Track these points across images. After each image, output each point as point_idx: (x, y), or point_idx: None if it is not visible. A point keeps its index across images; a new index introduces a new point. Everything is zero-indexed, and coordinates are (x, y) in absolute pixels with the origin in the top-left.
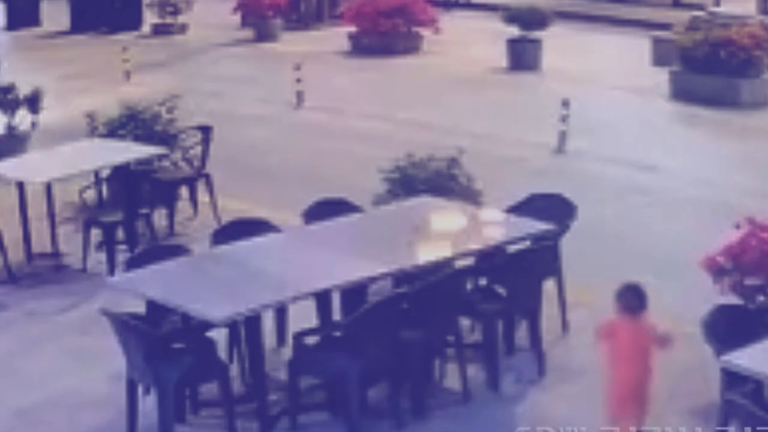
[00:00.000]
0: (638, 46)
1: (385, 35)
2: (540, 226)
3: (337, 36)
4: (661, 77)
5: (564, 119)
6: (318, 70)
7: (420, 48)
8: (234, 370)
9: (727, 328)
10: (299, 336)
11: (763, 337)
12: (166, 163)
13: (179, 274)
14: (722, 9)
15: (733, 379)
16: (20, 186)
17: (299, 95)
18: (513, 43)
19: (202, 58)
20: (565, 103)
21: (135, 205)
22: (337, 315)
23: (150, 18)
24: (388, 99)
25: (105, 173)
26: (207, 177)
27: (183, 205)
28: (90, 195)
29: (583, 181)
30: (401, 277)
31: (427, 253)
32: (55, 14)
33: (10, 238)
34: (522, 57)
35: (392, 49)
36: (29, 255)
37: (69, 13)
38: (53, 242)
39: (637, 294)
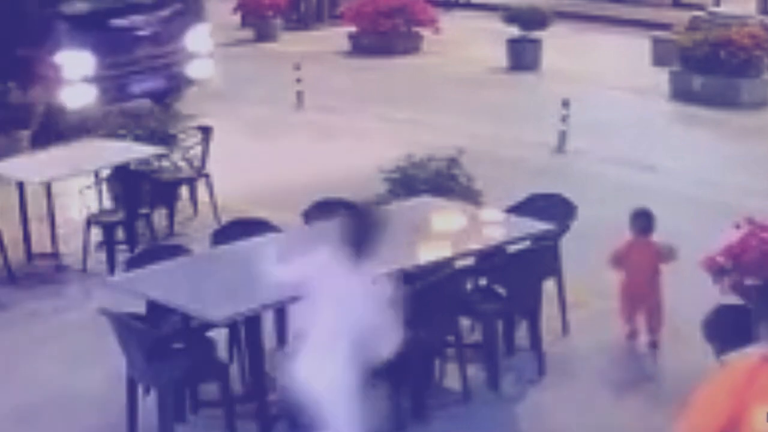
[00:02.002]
0: (638, 46)
1: (385, 35)
2: (540, 226)
3: (337, 36)
4: (661, 77)
5: (564, 119)
6: (318, 70)
7: (420, 48)
8: (234, 370)
9: (727, 328)
10: None
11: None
12: (166, 163)
13: (179, 274)
14: (722, 9)
15: None
16: (20, 186)
17: (299, 95)
18: (513, 43)
19: None
20: (565, 103)
21: (135, 205)
22: None
23: None
24: (388, 99)
25: (105, 173)
26: (207, 177)
27: (183, 205)
28: (90, 195)
29: (583, 181)
30: (401, 277)
31: (427, 253)
32: None
33: (10, 238)
34: (522, 57)
35: (392, 49)
36: (29, 255)
37: None
38: (53, 242)
39: (647, 217)
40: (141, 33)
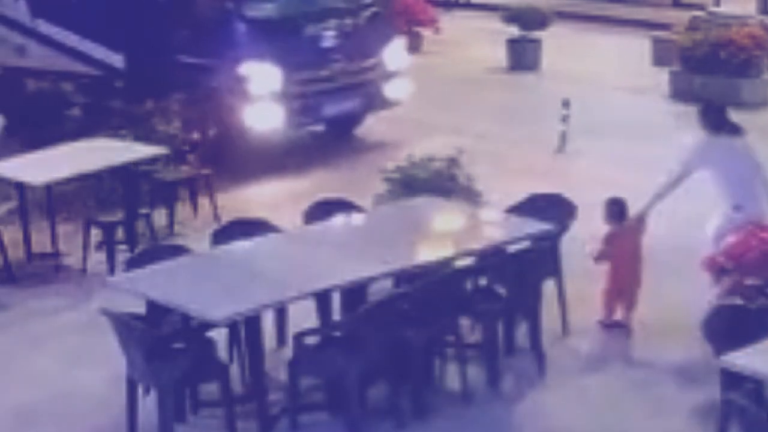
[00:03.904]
0: (638, 46)
1: None
2: (540, 226)
3: None
4: (661, 77)
5: (564, 119)
6: None
7: (420, 48)
8: (234, 370)
9: (727, 328)
10: (299, 336)
11: (763, 337)
12: (166, 163)
13: (179, 274)
14: (722, 9)
15: (733, 379)
16: (20, 186)
17: None
18: (513, 43)
19: None
20: (566, 103)
21: (135, 205)
22: (337, 315)
23: None
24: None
25: (105, 173)
26: (207, 177)
27: (183, 205)
28: (90, 195)
29: (583, 181)
30: (401, 277)
31: (427, 253)
32: None
33: (10, 238)
34: (522, 57)
35: None
36: (29, 255)
37: None
38: (53, 242)
39: (619, 205)
40: (335, 44)
